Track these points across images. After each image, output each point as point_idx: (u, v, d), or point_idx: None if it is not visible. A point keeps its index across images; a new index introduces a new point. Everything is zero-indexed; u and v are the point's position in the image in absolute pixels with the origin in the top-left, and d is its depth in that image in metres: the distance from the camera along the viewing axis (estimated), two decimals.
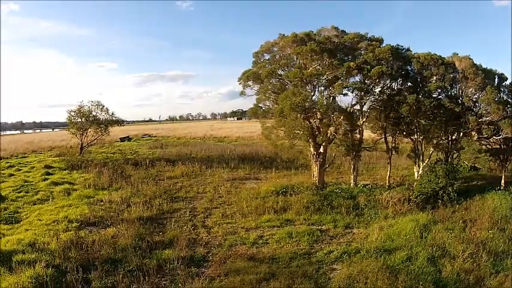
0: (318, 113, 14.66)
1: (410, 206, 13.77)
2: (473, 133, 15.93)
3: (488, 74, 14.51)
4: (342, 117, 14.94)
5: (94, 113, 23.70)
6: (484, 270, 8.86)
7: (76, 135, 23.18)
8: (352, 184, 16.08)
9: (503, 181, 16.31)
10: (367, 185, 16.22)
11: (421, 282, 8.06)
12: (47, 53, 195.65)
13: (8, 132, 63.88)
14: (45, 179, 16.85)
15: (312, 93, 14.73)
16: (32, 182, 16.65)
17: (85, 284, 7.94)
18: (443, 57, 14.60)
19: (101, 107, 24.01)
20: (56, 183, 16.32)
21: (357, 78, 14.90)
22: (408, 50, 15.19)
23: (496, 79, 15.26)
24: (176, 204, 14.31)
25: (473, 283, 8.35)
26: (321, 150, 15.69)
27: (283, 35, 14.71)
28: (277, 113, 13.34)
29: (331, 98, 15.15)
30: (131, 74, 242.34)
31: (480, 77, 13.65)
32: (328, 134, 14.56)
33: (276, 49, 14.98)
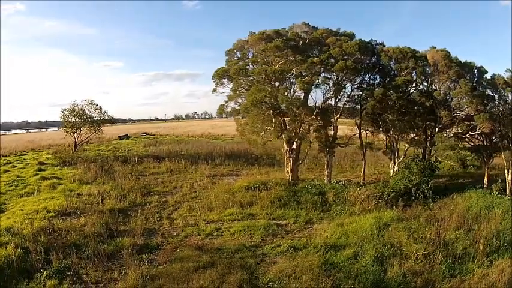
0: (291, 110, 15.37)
1: (380, 203, 14.14)
2: (454, 129, 15.96)
3: (465, 67, 14.54)
4: (314, 113, 15.57)
5: (88, 112, 25.63)
6: (437, 273, 8.70)
7: (70, 134, 25.22)
8: (325, 180, 16.63)
9: (486, 179, 16.22)
10: (340, 181, 16.72)
11: (349, 281, 8.05)
12: (53, 52, 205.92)
13: (13, 132, 68.86)
14: (35, 174, 18.73)
15: (286, 90, 15.44)
16: (24, 177, 18.56)
17: (46, 264, 9.27)
18: (417, 51, 14.80)
19: (94, 105, 25.92)
20: (45, 178, 18.10)
21: (333, 75, 15.50)
22: (381, 44, 15.50)
23: (476, 73, 15.22)
24: (150, 197, 15.56)
25: (420, 287, 8.17)
26: (294, 146, 16.37)
27: (254, 32, 15.51)
28: (242, 109, 14.21)
29: (303, 94, 15.84)
30: (137, 73, 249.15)
31: (453, 70, 13.77)
32: (298, 131, 15.21)
33: (246, 47, 15.82)
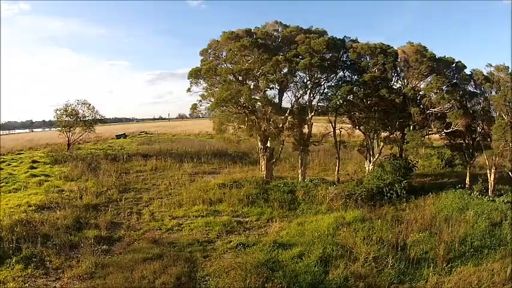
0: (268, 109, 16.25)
1: (349, 203, 14.71)
2: (433, 127, 16.14)
3: (440, 62, 14.76)
4: (287, 111, 16.38)
5: (81, 111, 27.68)
6: (385, 277, 8.69)
7: (63, 133, 27.37)
8: (300, 179, 17.39)
9: (467, 179, 16.30)
10: (313, 179, 17.40)
11: (277, 280, 8.12)
12: (58, 51, 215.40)
13: (16, 131, 73.87)
14: (26, 172, 20.76)
15: (255, 88, 16.35)
16: (16, 174, 20.61)
17: (16, 251, 10.81)
18: (390, 46, 15.20)
19: (87, 105, 27.94)
20: (34, 176, 20.04)
21: (307, 73, 16.20)
22: (353, 40, 15.99)
23: (454, 68, 15.35)
24: (127, 194, 16.98)
25: None
26: (268, 144, 17.26)
27: (225, 32, 16.47)
28: (211, 108, 15.27)
29: (278, 92, 16.70)
30: (143, 72, 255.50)
31: (425, 65, 14.06)
32: (267, 129, 16.07)
33: (219, 47, 16.83)
